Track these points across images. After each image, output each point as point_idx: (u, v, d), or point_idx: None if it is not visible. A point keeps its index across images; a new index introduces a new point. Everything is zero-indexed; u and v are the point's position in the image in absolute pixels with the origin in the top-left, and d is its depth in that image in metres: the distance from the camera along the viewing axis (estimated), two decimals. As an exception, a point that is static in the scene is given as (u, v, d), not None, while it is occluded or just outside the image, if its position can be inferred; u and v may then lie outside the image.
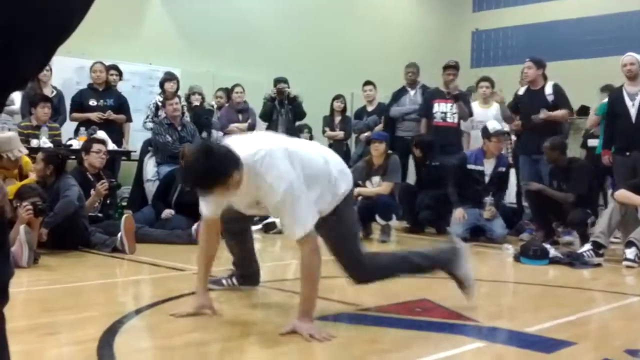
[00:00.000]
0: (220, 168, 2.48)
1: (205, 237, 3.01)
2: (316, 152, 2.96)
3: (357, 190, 6.10)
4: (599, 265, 4.85)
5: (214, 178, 2.48)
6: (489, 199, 6.19)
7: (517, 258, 4.98)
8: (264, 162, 2.57)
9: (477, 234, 6.23)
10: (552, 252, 4.95)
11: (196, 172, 2.53)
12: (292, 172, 2.60)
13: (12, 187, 4.53)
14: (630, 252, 4.79)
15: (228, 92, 8.23)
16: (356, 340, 2.60)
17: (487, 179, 6.32)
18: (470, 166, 6.34)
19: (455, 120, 7.48)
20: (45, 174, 4.91)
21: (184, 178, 3.06)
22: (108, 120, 7.00)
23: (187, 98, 7.84)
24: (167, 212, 5.79)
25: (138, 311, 3.06)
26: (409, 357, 2.32)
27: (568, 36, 11.17)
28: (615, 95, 6.35)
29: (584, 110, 9.77)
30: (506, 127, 7.30)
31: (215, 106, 8.23)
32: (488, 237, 6.11)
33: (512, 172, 6.92)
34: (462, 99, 7.48)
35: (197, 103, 7.71)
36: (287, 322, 2.64)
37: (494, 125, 6.37)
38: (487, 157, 6.32)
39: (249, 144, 2.66)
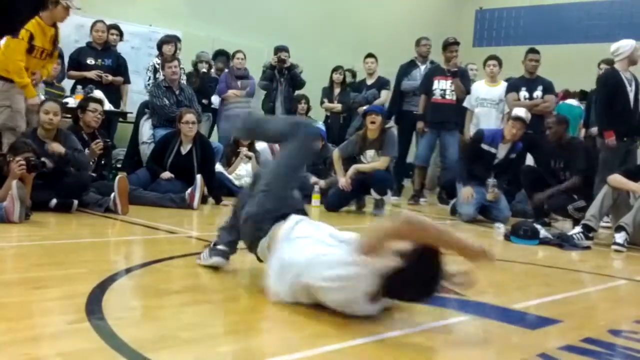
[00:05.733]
0: None
1: None
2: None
3: (355, 166, 6.07)
4: (588, 248, 4.89)
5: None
6: (491, 181, 6.08)
7: (507, 237, 5.01)
8: None
9: (483, 213, 6.18)
10: (543, 232, 4.98)
11: None
12: None
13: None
14: (620, 237, 4.82)
15: (227, 58, 8.22)
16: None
17: (496, 162, 6.14)
18: (484, 145, 6.15)
19: (454, 98, 7.45)
20: (58, 127, 5.00)
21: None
22: (105, 81, 6.98)
23: (195, 65, 7.86)
24: (167, 174, 5.80)
25: (128, 270, 3.07)
26: (395, 326, 2.34)
27: (571, 19, 11.10)
28: (615, 79, 6.27)
29: (583, 95, 9.74)
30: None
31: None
32: (493, 218, 5.99)
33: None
34: (460, 75, 7.43)
35: (204, 70, 7.77)
36: None
37: (517, 111, 6.19)
38: (503, 142, 6.13)
39: None
